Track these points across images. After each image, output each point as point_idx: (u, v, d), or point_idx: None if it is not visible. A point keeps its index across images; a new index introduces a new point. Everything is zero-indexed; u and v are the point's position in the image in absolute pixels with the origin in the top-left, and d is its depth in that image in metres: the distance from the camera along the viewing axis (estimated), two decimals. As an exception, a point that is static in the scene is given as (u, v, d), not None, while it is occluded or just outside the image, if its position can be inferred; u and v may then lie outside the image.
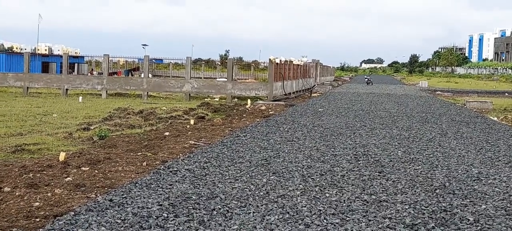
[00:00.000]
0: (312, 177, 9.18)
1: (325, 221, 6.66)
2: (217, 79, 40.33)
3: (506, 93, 47.99)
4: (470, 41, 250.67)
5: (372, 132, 15.92)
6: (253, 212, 6.90)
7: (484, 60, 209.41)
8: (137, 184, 8.19)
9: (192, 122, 17.66)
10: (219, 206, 7.12)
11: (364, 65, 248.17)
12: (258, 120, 19.04)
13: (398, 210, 7.26)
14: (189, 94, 32.15)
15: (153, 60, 60.50)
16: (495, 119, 22.06)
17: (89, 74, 50.39)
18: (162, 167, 9.66)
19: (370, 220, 6.74)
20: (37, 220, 6.41)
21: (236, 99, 31.01)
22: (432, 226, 6.57)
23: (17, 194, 7.55)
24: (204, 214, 6.76)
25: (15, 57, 51.17)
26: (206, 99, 31.30)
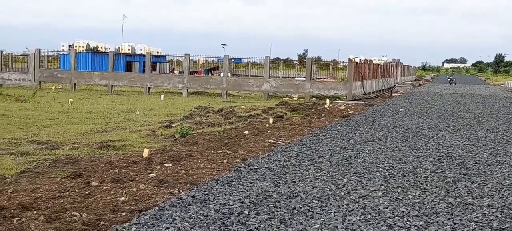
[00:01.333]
0: (394, 178, 9.02)
1: (408, 222, 6.53)
2: (296, 79, 40.30)
3: None
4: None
5: (456, 133, 15.48)
6: (334, 212, 6.85)
7: None
8: (218, 181, 8.30)
9: (271, 120, 17.72)
10: (300, 205, 7.10)
11: (446, 65, 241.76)
12: (337, 119, 18.89)
13: (484, 213, 7.02)
14: (268, 93, 32.28)
15: (232, 60, 61.15)
16: None
17: (171, 73, 51.46)
18: (242, 165, 9.74)
19: (455, 223, 6.56)
20: (123, 214, 6.59)
21: (314, 99, 30.89)
22: (522, 231, 6.32)
23: (104, 188, 7.81)
24: (284, 212, 6.76)
25: (100, 57, 52.99)
26: (284, 98, 31.32)
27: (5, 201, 7.11)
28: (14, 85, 36.17)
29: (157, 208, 6.72)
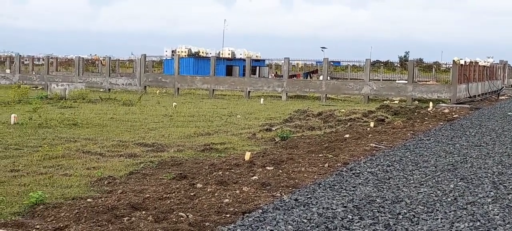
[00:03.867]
0: (504, 184, 8.64)
1: (521, 231, 6.23)
2: (397, 81, 39.52)
3: None
4: None
5: None
6: (441, 218, 6.65)
7: None
8: (320, 185, 8.27)
9: (372, 124, 17.46)
10: (405, 211, 6.95)
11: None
12: (441, 123, 18.34)
13: None
14: (368, 96, 31.83)
15: (331, 63, 60.83)
16: None
17: (273, 77, 51.87)
18: (344, 169, 9.66)
19: None
20: (227, 215, 6.71)
21: (416, 102, 30.14)
22: None
23: (208, 190, 7.98)
24: (389, 217, 6.64)
25: (201, 61, 54.22)
26: (385, 101, 30.76)
27: (116, 201, 7.42)
28: (121, 89, 37.68)
29: (261, 211, 6.78)
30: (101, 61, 56.99)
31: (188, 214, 6.73)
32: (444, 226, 6.37)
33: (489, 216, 6.81)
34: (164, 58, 56.33)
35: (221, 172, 9.30)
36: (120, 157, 11.40)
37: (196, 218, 6.58)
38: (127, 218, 6.57)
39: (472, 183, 8.73)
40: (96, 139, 13.84)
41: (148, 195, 7.73)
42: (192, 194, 7.81)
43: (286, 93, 33.44)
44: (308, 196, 7.55)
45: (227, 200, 7.43)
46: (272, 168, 9.77)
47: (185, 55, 54.29)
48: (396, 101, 31.40)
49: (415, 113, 22.34)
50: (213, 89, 35.18)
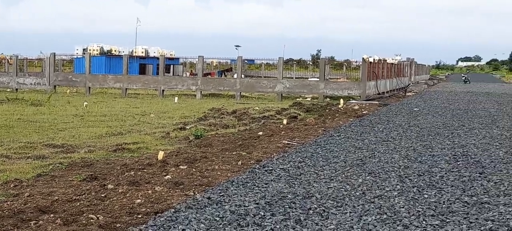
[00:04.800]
0: (410, 178, 8.99)
1: (424, 222, 6.51)
2: (309, 79, 40.26)
3: None
4: None
5: (471, 131, 15.39)
6: (350, 212, 6.84)
7: None
8: (233, 183, 8.32)
9: (285, 121, 17.72)
10: (315, 206, 7.11)
11: (460, 64, 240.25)
12: (351, 119, 18.85)
13: (501, 212, 6.98)
14: (281, 94, 32.28)
15: (246, 61, 61.23)
16: None
17: (188, 75, 51.55)
18: (257, 166, 9.76)
19: (471, 222, 6.53)
20: (139, 216, 6.63)
21: (328, 99, 30.83)
22: (539, 230, 6.27)
23: (120, 191, 7.85)
24: (300, 213, 6.77)
25: (114, 60, 53.26)
26: (298, 99, 31.31)
27: (22, 205, 7.18)
28: (29, 89, 36.43)
29: (173, 210, 6.75)
30: (8, 60, 54.88)
31: (98, 215, 6.60)
32: (352, 219, 6.56)
33: (395, 209, 7.07)
34: (75, 56, 54.91)
35: (133, 172, 9.18)
36: (27, 159, 11.04)
37: (107, 219, 6.46)
38: (34, 222, 6.37)
39: (380, 177, 9.03)
40: (1, 141, 13.33)
41: (57, 198, 7.52)
42: (103, 195, 7.66)
43: (201, 91, 33.38)
44: (221, 194, 7.57)
45: (139, 200, 7.34)
46: (185, 167, 9.74)
47: (97, 54, 53.28)
48: (308, 99, 32.02)
49: (327, 110, 22.85)
50: (126, 88, 34.63)
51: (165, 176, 8.93)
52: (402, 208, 7.10)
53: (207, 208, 6.87)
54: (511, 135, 14.79)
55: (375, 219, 6.58)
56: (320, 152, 11.34)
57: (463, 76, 69.68)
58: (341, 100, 26.74)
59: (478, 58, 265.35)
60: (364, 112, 21.90)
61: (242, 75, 36.96)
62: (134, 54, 55.43)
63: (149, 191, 7.81)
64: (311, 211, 6.85)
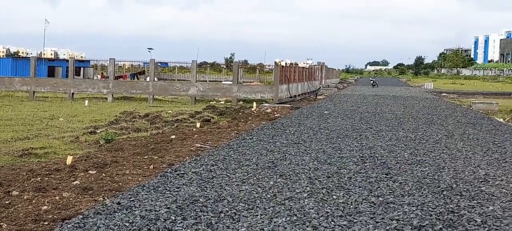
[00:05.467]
0: (319, 179, 9.18)
1: (332, 223, 6.67)
2: (223, 83, 40.38)
3: (512, 95, 47.85)
4: (476, 42, 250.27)
5: (378, 134, 15.91)
6: (261, 214, 6.91)
7: (489, 61, 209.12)
8: (144, 187, 8.21)
9: (198, 125, 17.69)
10: (227, 209, 7.13)
11: (369, 68, 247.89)
12: (264, 122, 19.05)
13: (405, 211, 7.26)
14: (195, 97, 32.19)
15: (159, 64, 60.64)
16: (501, 120, 22.02)
17: (99, 78, 50.40)
18: (169, 170, 9.68)
19: (377, 222, 6.75)
20: (46, 223, 6.43)
21: (241, 102, 31.03)
22: (440, 227, 6.57)
23: (25, 197, 7.59)
24: (211, 216, 6.77)
25: (21, 62, 51.37)
26: (211, 102, 31.34)
27: None
28: None
29: (81, 216, 6.58)
30: None
31: (1, 224, 6.35)
32: (263, 221, 6.63)
33: (305, 210, 7.20)
34: (-21, 58, 52.59)
35: (40, 178, 8.89)
36: None
37: (10, 227, 6.23)
38: None
39: (290, 179, 9.17)
40: None
41: (-43, 206, 7.17)
42: (7, 202, 7.37)
43: (112, 94, 32.78)
44: (131, 199, 7.46)
45: (45, 207, 7.12)
46: (95, 171, 9.53)
47: (3, 56, 51.13)
48: (222, 102, 32.10)
49: (240, 113, 23.00)
50: (34, 91, 33.51)
51: (74, 181, 8.70)
52: (311, 209, 7.24)
53: (116, 214, 6.74)
54: (416, 136, 15.39)
55: (285, 221, 6.68)
56: (232, 155, 11.38)
57: (371, 80, 71.92)
58: (254, 104, 26.98)
59: (385, 63, 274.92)
60: (276, 115, 22.19)
61: (155, 78, 36.61)
62: (43, 56, 53.62)
63: (56, 197, 7.59)
64: (222, 215, 6.87)
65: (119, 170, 9.73)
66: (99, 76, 53.65)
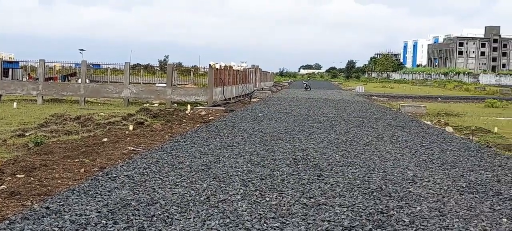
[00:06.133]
0: (252, 182, 9.23)
1: (265, 224, 6.72)
2: (156, 85, 40.01)
3: (439, 98, 49.43)
4: (405, 47, 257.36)
5: (311, 136, 16.13)
6: (194, 217, 6.89)
7: (418, 66, 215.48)
8: (74, 191, 8.04)
9: (131, 127, 17.46)
10: (159, 212, 7.07)
11: (302, 71, 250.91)
12: (198, 125, 19.00)
13: (336, 213, 7.39)
14: (128, 100, 31.75)
15: (91, 66, 59.50)
16: (429, 122, 22.71)
17: (28, 79, 48.96)
18: (101, 173, 9.52)
19: (309, 223, 6.84)
20: (-30, 229, 6.20)
21: (175, 105, 30.82)
22: (370, 228, 6.72)
23: None
24: (144, 220, 6.70)
25: None
26: (145, 104, 30.99)
27: None
28: None
29: (8, 222, 6.39)
30: None
31: None
32: (196, 224, 6.62)
33: (238, 212, 7.23)
34: None
35: (-36, 183, 8.56)
36: None
37: None
38: None
39: (224, 181, 9.18)
40: None
41: None
42: None
43: (42, 96, 31.93)
44: (61, 204, 7.29)
45: (-30, 212, 6.86)
46: (23, 175, 9.26)
47: None
48: (156, 104, 31.78)
49: (174, 116, 22.84)
50: (-42, 93, 32.23)
51: (0, 185, 8.43)
52: (244, 212, 7.27)
53: (45, 218, 6.58)
54: (347, 139, 15.69)
55: (218, 223, 6.68)
56: (166, 158, 11.30)
57: (305, 83, 72.84)
58: (188, 106, 26.87)
59: (318, 66, 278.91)
60: (210, 118, 22.16)
61: (87, 80, 35.91)
62: (-33, 57, 51.73)
63: (-18, 203, 7.33)
64: (154, 218, 6.81)
65: (48, 173, 9.49)
66: (28, 78, 52.18)
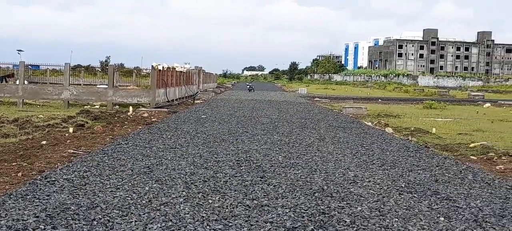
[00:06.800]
0: (195, 184, 9.19)
1: (208, 227, 6.69)
2: (98, 86, 39.36)
3: (380, 100, 50.42)
4: (346, 49, 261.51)
5: (254, 137, 16.18)
6: (135, 221, 6.81)
7: (359, 68, 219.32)
8: (11, 196, 7.82)
9: (71, 130, 17.12)
10: (100, 216, 6.95)
11: (246, 72, 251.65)
12: (140, 127, 18.79)
13: (279, 214, 7.43)
14: (68, 101, 31.13)
15: (29, 66, 58.07)
16: (369, 124, 23.13)
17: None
18: (39, 177, 9.29)
19: (252, 225, 6.86)
20: None
21: (117, 107, 30.39)
22: (311, 228, 6.79)
23: None
24: (84, 224, 6.57)
25: None
26: (86, 106, 30.43)
27: None
28: None
29: None
30: None
31: None
32: (138, 228, 6.53)
33: (180, 215, 7.18)
34: None
35: None
36: None
37: None
38: None
39: (166, 184, 9.11)
40: None
41: None
42: None
43: (-23, 98, 30.96)
44: (-3, 209, 7.07)
45: None
46: (-44, 180, 8.94)
47: None
48: (97, 106, 31.27)
49: (115, 118, 22.52)
50: None
51: None
52: (187, 214, 7.23)
53: (-20, 225, 6.38)
54: (290, 140, 15.81)
55: (160, 227, 6.62)
56: (107, 161, 11.12)
57: (248, 85, 73.06)
58: (131, 108, 26.54)
59: (262, 68, 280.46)
60: (153, 119, 21.96)
61: (26, 81, 35.00)
62: None
63: None
64: (95, 222, 6.69)
65: (-17, 178, 9.19)
66: None
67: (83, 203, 7.58)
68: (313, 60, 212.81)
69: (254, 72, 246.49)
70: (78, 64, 73.62)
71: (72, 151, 12.65)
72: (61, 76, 50.80)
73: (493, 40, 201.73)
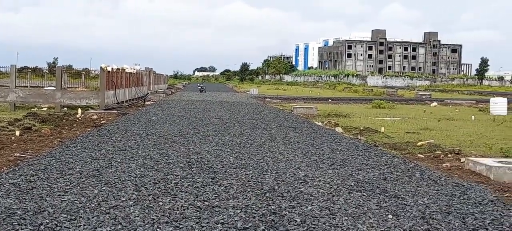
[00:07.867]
0: (145, 186, 9.10)
1: (158, 230, 6.65)
2: (45, 88, 38.54)
3: (330, 100, 50.95)
4: (297, 50, 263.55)
5: (205, 139, 16.13)
6: (84, 225, 6.70)
7: (309, 68, 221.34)
8: (-46, 202, 7.59)
9: (17, 133, 16.73)
10: (47, 221, 6.82)
11: (197, 73, 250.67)
12: (89, 129, 18.50)
13: (230, 215, 7.43)
14: (14, 104, 30.38)
15: (-27, 68, 56.44)
16: (320, 123, 23.35)
17: None
18: (-16, 182, 9.04)
19: (203, 226, 6.84)
20: None
21: (66, 109, 29.84)
22: (262, 229, 6.81)
23: None
24: (30, 229, 6.44)
25: None
26: (33, 109, 29.77)
27: None
28: None
29: None
30: None
31: None
32: (86, 232, 6.44)
33: (130, 218, 7.10)
34: None
35: None
36: None
37: None
38: None
39: (116, 187, 8.99)
40: None
41: None
42: None
43: None
44: None
45: None
46: None
47: None
48: (44, 109, 30.62)
49: (64, 120, 22.11)
50: None
51: None
52: (137, 217, 7.16)
53: None
54: (241, 140, 15.83)
55: (109, 230, 6.53)
56: (54, 164, 10.92)
57: (199, 86, 72.80)
58: (79, 110, 26.11)
59: (213, 69, 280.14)
60: (102, 121, 21.65)
61: (-31, 84, 33.98)
62: None
63: None
64: (42, 227, 6.56)
65: None
66: None
67: (30, 208, 7.42)
68: (264, 61, 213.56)
69: (205, 73, 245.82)
70: (25, 66, 71.99)
71: (18, 154, 12.36)
72: (6, 78, 49.55)
73: (439, 41, 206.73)
